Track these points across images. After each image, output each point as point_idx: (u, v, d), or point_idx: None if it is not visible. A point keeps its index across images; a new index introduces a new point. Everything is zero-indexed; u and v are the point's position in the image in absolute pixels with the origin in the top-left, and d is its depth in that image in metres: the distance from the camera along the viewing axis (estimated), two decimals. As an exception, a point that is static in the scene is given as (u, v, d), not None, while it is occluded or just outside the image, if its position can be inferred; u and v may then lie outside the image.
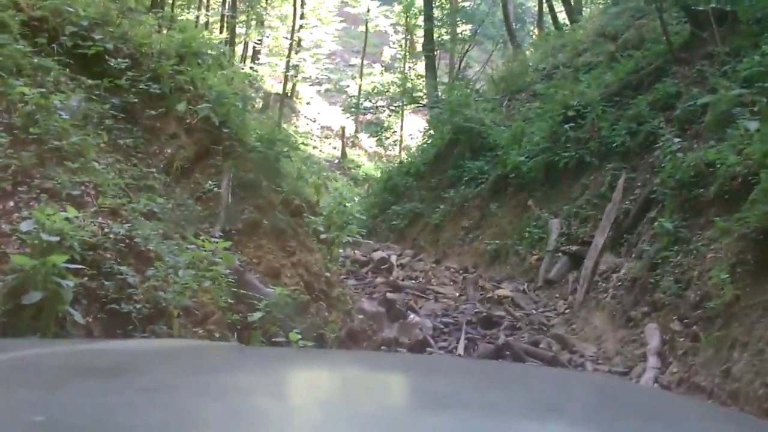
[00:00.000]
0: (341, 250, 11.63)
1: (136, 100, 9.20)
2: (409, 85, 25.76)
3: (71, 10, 9.18)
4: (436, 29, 33.95)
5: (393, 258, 16.07)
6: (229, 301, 7.13)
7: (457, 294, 13.54)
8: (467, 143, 18.81)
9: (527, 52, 26.30)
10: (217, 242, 7.28)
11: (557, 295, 12.95)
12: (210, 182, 9.18)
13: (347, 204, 11.34)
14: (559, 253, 13.59)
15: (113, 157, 8.27)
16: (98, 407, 1.62)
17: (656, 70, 15.30)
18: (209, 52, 11.45)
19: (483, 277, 14.55)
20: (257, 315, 7.34)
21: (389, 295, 12.42)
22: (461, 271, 15.25)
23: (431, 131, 22.13)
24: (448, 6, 37.47)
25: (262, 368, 2.52)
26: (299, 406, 1.89)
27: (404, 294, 13.06)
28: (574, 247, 13.34)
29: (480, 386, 2.24)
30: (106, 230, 6.39)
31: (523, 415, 1.86)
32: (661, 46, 15.78)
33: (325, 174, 12.48)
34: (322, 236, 10.39)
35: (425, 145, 22.51)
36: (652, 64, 15.54)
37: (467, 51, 31.51)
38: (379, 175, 24.76)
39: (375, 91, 29.32)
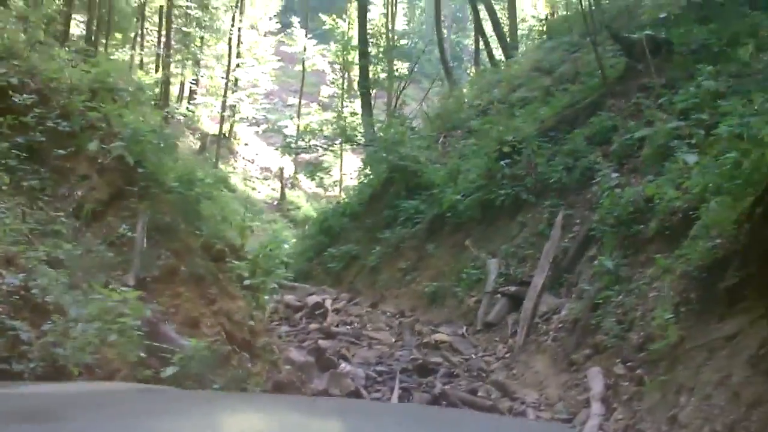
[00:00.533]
0: (270, 297, 10.89)
1: (43, 139, 8.62)
2: (343, 123, 25.17)
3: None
4: (372, 67, 33.68)
5: (328, 302, 15.46)
6: (141, 355, 6.43)
7: (393, 339, 12.96)
8: (403, 182, 18.34)
9: (463, 90, 25.98)
10: (126, 291, 6.62)
11: (497, 339, 12.42)
12: (124, 226, 8.51)
13: (274, 248, 10.57)
14: (498, 295, 13.07)
15: (15, 200, 7.74)
16: None
17: (592, 103, 15.06)
18: (126, 88, 10.77)
19: (420, 320, 14.00)
20: (171, 370, 6.61)
21: (321, 342, 11.82)
22: (398, 315, 14.68)
23: (367, 170, 21.59)
24: (383, 44, 37.36)
25: (194, 413, 2.44)
26: None
27: (337, 341, 12.44)
28: (512, 288, 12.85)
29: None
30: (-2, 281, 5.75)
31: None
32: (596, 80, 15.57)
33: (250, 216, 11.56)
34: (246, 282, 9.67)
35: (361, 185, 21.98)
36: (588, 97, 15.31)
37: (403, 88, 31.22)
38: (314, 216, 24.13)
39: (309, 130, 28.73)
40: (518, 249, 13.87)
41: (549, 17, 28.86)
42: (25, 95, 8.75)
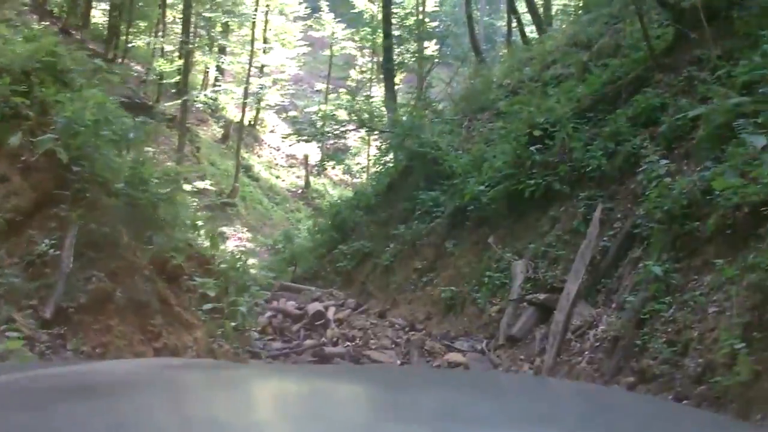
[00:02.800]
0: (242, 320, 8.69)
1: (-54, 131, 6.76)
2: (358, 107, 23.25)
3: None
4: (398, 48, 31.86)
5: (331, 312, 13.69)
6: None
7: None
8: (422, 171, 16.44)
9: (492, 69, 23.85)
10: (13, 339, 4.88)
11: (522, 357, 10.44)
12: (48, 240, 6.70)
13: (245, 258, 8.59)
14: (524, 303, 11.08)
15: None
16: (90, 429, 1.71)
17: (636, 79, 13.00)
18: (79, 68, 8.84)
19: (433, 335, 12.11)
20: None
21: (312, 368, 9.89)
22: (408, 328, 12.72)
23: (385, 158, 19.67)
24: (413, 25, 35.45)
25: (245, 385, 2.53)
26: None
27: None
28: (541, 296, 10.82)
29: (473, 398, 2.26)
30: None
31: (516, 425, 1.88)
32: (641, 53, 13.47)
33: (221, 222, 9.52)
34: (206, 306, 7.62)
35: (378, 174, 20.09)
36: (632, 72, 13.24)
37: (430, 70, 29.20)
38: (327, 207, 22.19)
39: (322, 115, 26.79)
40: (549, 249, 11.81)
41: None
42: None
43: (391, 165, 18.86)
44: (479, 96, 19.87)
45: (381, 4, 29.90)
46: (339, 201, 21.92)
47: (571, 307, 9.85)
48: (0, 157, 7.07)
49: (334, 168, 42.71)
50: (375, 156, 21.85)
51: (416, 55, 32.07)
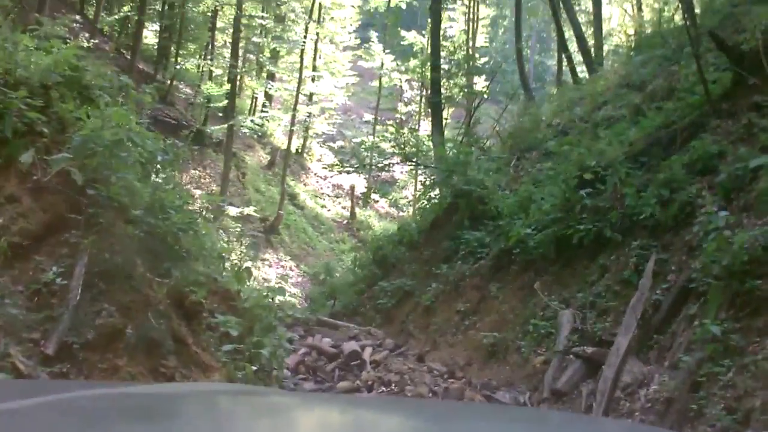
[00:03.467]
0: (268, 363, 8.23)
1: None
2: (402, 140, 22.91)
3: None
4: (445, 82, 31.54)
5: (367, 352, 13.27)
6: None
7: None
8: (467, 210, 16.03)
9: (541, 108, 23.40)
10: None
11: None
12: (56, 268, 6.21)
13: (275, 294, 8.16)
14: (571, 356, 10.56)
15: None
16: None
17: (692, 124, 12.50)
18: (106, 85, 8.38)
19: (473, 384, 11.54)
20: None
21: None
22: (446, 375, 12.20)
23: (430, 194, 19.28)
24: (462, 59, 35.12)
25: (294, 412, 2.57)
26: None
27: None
28: (589, 349, 10.30)
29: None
30: None
31: None
32: (697, 97, 12.97)
33: (245, 250, 8.93)
34: (227, 347, 7.16)
35: (422, 211, 19.69)
36: (687, 117, 12.73)
37: (479, 105, 28.83)
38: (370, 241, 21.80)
39: (365, 147, 26.51)
40: (598, 299, 11.28)
41: (638, 31, 26.17)
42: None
43: (435, 201, 18.47)
44: (527, 134, 19.49)
45: (429, 36, 29.64)
46: (382, 235, 21.58)
47: (621, 363, 9.34)
48: (9, 175, 6.61)
49: (378, 201, 42.53)
50: (419, 191, 21.41)
51: (464, 90, 31.69)
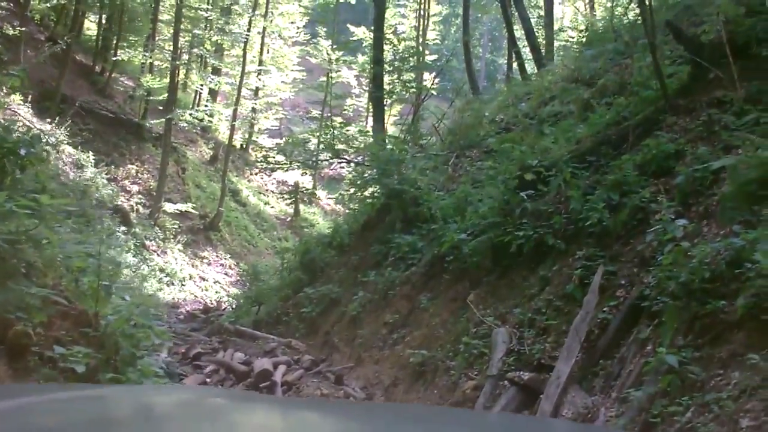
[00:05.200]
0: None
1: None
2: (330, 135, 21.41)
3: None
4: (390, 77, 30.31)
5: (280, 371, 11.83)
6: None
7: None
8: (399, 211, 14.65)
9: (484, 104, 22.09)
10: None
11: (499, 449, 8.57)
12: None
13: (141, 316, 6.58)
14: (505, 381, 9.17)
15: None
16: None
17: (645, 121, 11.28)
18: None
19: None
20: None
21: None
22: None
23: (362, 194, 17.86)
24: (412, 56, 33.91)
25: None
26: None
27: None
28: (526, 375, 8.87)
29: None
30: None
31: None
32: (651, 92, 11.76)
33: (111, 261, 7.05)
34: None
35: (354, 212, 18.26)
36: (640, 113, 11.50)
37: (423, 100, 27.47)
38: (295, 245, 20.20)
39: (292, 142, 24.94)
40: (537, 316, 9.85)
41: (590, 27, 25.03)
42: None
43: (368, 202, 17.07)
44: (468, 131, 18.10)
45: (373, 29, 28.30)
46: (310, 237, 20.14)
47: (561, 393, 8.03)
48: None
49: (323, 199, 41.55)
50: (347, 191, 19.98)
51: (407, 85, 30.43)
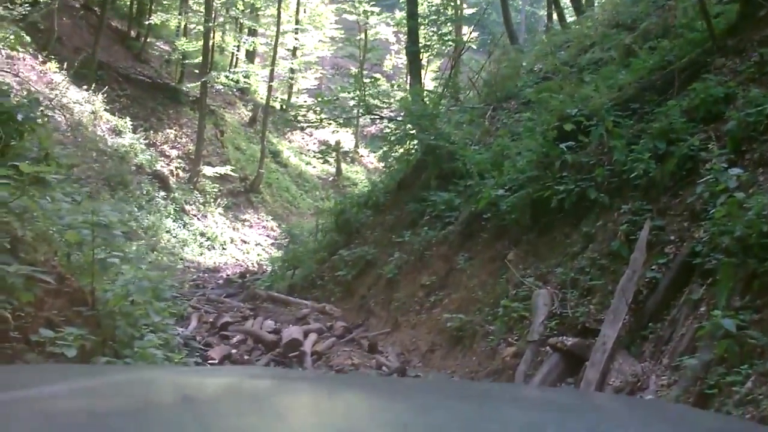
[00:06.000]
0: None
1: None
2: (363, 91, 20.76)
3: None
4: (428, 30, 29.52)
5: (310, 339, 11.34)
6: None
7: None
8: (435, 168, 14.04)
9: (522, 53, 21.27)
10: None
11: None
12: None
13: (142, 295, 6.02)
14: (547, 347, 8.60)
15: None
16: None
17: (692, 64, 10.54)
18: None
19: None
20: None
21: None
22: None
23: (397, 150, 17.24)
24: (450, 9, 32.97)
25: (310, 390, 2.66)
26: None
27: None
28: (569, 340, 8.30)
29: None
30: None
31: None
32: (697, 33, 10.99)
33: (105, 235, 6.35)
34: None
35: (390, 170, 17.63)
36: (686, 56, 10.75)
37: (461, 54, 26.62)
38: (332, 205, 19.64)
39: (323, 100, 24.31)
40: (581, 275, 9.23)
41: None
42: None
43: (404, 159, 16.46)
44: (506, 82, 17.36)
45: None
46: (346, 197, 19.59)
47: (608, 360, 7.45)
48: None
49: (367, 156, 40.99)
50: (382, 148, 19.34)
51: (443, 38, 29.57)
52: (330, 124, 24.88)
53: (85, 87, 25.12)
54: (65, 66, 24.33)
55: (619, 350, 7.63)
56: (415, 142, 15.52)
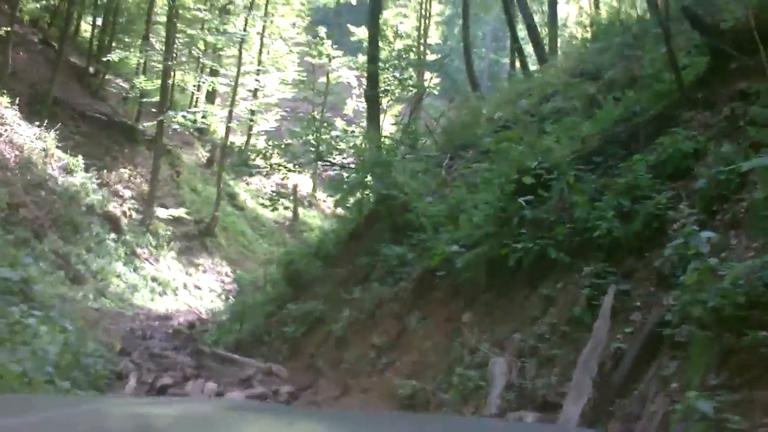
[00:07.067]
0: None
1: None
2: (315, 137, 20.20)
3: None
4: (389, 75, 29.11)
5: (251, 407, 10.55)
6: None
7: None
8: (388, 219, 13.40)
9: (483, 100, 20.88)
10: None
11: None
12: None
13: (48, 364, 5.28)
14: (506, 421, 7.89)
15: None
16: None
17: (659, 117, 10.08)
18: None
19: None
20: None
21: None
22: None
23: (348, 199, 16.62)
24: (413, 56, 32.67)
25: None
26: None
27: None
28: (529, 415, 7.55)
29: None
30: None
31: None
32: (664, 85, 10.51)
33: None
34: None
35: (343, 220, 16.99)
36: (653, 108, 10.26)
37: (420, 100, 26.21)
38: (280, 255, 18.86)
39: (272, 144, 23.71)
40: (540, 343, 8.49)
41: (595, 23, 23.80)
42: None
43: (356, 208, 15.84)
44: (465, 130, 16.80)
45: (367, 26, 27.02)
46: (295, 247, 18.91)
47: (569, 439, 6.76)
48: None
49: (325, 201, 40.77)
50: (334, 195, 18.81)
51: (402, 83, 29.30)
52: (280, 170, 24.23)
53: (37, 123, 24.38)
54: (17, 101, 23.66)
55: (584, 429, 6.93)
56: (369, 191, 14.89)
